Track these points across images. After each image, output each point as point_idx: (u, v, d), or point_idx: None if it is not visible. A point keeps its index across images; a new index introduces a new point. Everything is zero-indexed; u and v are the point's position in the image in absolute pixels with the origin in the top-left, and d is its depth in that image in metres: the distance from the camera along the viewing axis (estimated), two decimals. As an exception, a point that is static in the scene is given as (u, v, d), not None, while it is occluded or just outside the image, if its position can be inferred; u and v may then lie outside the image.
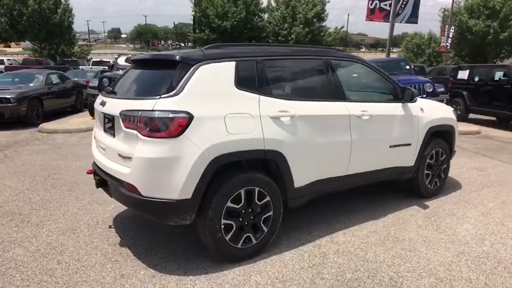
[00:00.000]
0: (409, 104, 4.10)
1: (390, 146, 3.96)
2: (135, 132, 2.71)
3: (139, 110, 2.69)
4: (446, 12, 32.57)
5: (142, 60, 3.38)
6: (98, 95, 9.75)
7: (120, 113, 2.82)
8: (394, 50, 49.26)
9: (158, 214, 2.79)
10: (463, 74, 11.72)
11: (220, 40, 30.47)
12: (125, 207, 4.07)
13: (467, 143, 8.25)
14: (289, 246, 3.30)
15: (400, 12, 14.60)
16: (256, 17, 31.84)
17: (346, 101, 3.59)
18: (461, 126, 9.23)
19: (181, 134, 2.64)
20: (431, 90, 9.77)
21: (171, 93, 2.70)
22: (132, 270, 2.92)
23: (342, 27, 34.83)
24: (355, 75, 4.11)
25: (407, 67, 11.31)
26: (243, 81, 2.99)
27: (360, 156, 3.65)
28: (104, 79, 9.51)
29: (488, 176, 5.66)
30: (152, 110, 2.64)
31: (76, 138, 7.95)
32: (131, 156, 2.74)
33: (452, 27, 27.42)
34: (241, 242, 2.99)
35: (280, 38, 30.84)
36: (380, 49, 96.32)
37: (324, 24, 32.22)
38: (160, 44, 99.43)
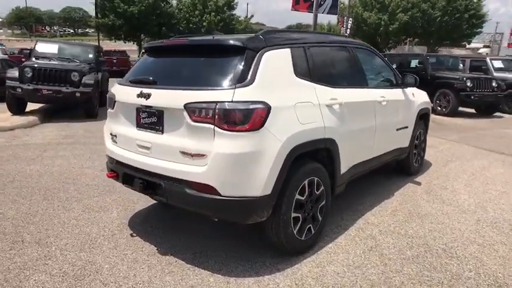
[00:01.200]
0: (406, 89, 4.41)
1: (397, 129, 4.23)
2: (209, 126, 2.42)
3: (215, 102, 2.41)
4: (342, 5, 35.35)
5: (187, 45, 2.96)
6: (19, 87, 8.43)
7: (186, 106, 2.48)
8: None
9: (238, 214, 2.56)
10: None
11: (128, 26, 28.49)
12: (130, 212, 3.70)
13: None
14: (335, 233, 3.33)
15: (322, 3, 15.41)
16: (165, 2, 30.44)
17: (369, 88, 3.72)
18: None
19: (263, 126, 2.45)
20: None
21: (245, 83, 2.48)
22: (198, 279, 2.64)
23: (252, 16, 35.37)
24: (368, 62, 4.26)
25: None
26: (298, 69, 2.89)
27: (379, 139, 3.82)
28: (27, 69, 8.22)
29: (442, 152, 6.42)
30: (232, 102, 2.39)
31: (3, 139, 6.75)
32: (204, 154, 2.45)
33: (350, 19, 29.91)
34: (304, 233, 2.93)
35: (191, 26, 30.07)
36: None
37: (234, 12, 32.32)
38: (45, 30, 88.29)
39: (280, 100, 2.59)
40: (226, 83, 2.50)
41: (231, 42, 2.66)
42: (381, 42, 34.89)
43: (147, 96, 2.69)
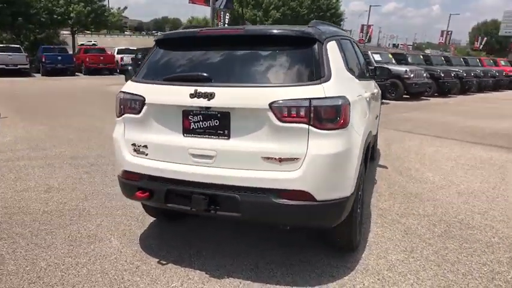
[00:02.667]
0: (373, 81, 4.72)
1: (375, 118, 4.51)
2: (302, 126, 2.18)
3: (308, 99, 2.18)
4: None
5: (243, 36, 2.54)
6: None
7: (272, 105, 2.18)
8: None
9: (329, 218, 2.36)
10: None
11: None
12: (132, 235, 3.18)
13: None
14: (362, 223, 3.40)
15: (219, -4, 15.26)
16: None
17: (367, 80, 3.87)
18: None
19: (349, 122, 2.33)
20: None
21: (325, 77, 2.30)
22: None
23: (125, 7, 32.80)
24: (358, 54, 4.37)
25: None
26: (345, 61, 2.83)
27: (372, 130, 4.02)
28: None
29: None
30: (326, 97, 2.20)
31: None
32: (297, 157, 2.20)
33: (228, 14, 30.47)
34: (359, 229, 2.91)
35: (56, 17, 26.47)
36: (144, 32, 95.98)
37: (104, 3, 29.59)
38: None
39: (351, 94, 2.49)
40: (307, 77, 2.29)
41: (302, 33, 2.43)
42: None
43: (209, 96, 2.27)
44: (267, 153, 2.23)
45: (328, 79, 2.30)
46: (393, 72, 12.58)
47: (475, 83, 17.23)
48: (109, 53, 24.07)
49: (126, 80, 16.29)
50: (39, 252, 2.87)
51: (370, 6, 43.98)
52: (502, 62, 22.44)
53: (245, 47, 2.50)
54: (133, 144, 2.57)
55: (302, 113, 2.17)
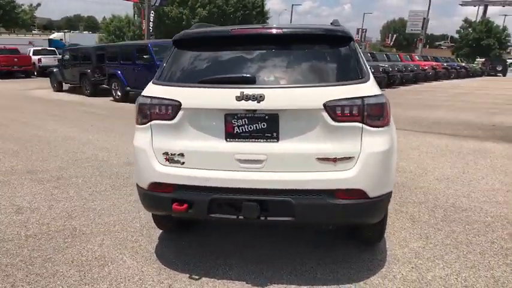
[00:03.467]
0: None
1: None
2: (356, 124, 2.18)
3: (361, 97, 2.18)
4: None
5: (279, 35, 2.40)
6: None
7: (326, 105, 2.14)
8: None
9: (377, 214, 2.38)
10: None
11: None
12: (147, 252, 3.00)
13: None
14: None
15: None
16: None
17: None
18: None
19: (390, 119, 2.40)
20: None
21: (366, 76, 2.33)
22: None
23: (39, 4, 29.69)
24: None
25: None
26: None
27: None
28: None
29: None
30: (376, 95, 2.23)
31: None
32: (351, 156, 2.20)
33: (152, 12, 29.35)
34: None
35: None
36: (55, 30, 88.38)
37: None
38: None
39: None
40: (352, 76, 2.29)
41: (341, 32, 2.42)
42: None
43: (259, 98, 2.16)
44: (322, 154, 2.20)
45: (369, 77, 2.34)
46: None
47: (399, 77, 18.79)
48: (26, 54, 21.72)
49: (52, 83, 15.18)
50: (46, 284, 2.51)
51: (293, 5, 45.54)
52: (417, 57, 24.79)
53: (283, 46, 2.42)
54: (166, 153, 2.35)
55: (356, 112, 2.17)
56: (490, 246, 2.97)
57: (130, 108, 8.58)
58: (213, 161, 2.29)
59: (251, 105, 2.17)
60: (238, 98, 2.17)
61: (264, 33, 2.45)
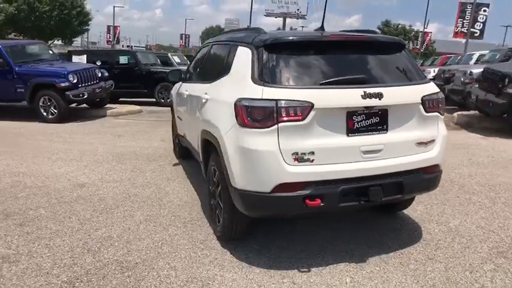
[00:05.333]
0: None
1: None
2: (436, 114, 2.81)
3: (437, 92, 2.81)
4: None
5: (364, 42, 2.82)
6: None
7: (423, 99, 2.68)
8: None
9: (438, 183, 3.03)
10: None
11: None
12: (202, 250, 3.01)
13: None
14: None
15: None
16: None
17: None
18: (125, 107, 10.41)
19: None
20: (102, 75, 9.86)
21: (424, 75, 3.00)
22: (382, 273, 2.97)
23: None
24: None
25: (51, 52, 10.20)
26: None
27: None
28: None
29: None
30: (441, 91, 2.89)
31: None
32: (434, 139, 2.80)
33: None
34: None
35: None
36: None
37: None
38: None
39: None
40: (422, 75, 2.91)
41: (402, 40, 2.98)
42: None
43: (379, 96, 2.53)
44: (419, 139, 2.75)
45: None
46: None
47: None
48: None
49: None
50: None
51: (114, 6, 43.13)
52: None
53: (371, 50, 2.88)
54: (295, 153, 2.45)
55: (436, 104, 2.81)
56: None
57: None
58: (340, 155, 2.54)
59: (372, 102, 2.53)
60: (363, 97, 2.49)
61: (354, 40, 2.83)
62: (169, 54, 15.33)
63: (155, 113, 10.67)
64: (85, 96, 8.85)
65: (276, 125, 2.43)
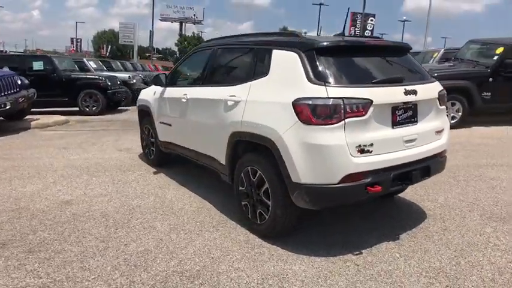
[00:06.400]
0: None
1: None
2: (444, 107, 3.31)
3: (443, 89, 3.32)
4: None
5: (382, 46, 3.17)
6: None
7: (439, 94, 3.17)
8: None
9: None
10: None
11: None
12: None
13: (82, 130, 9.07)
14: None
15: None
16: None
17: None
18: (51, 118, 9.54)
19: None
20: (22, 82, 8.75)
21: None
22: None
23: None
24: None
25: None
26: None
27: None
28: None
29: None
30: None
31: None
32: (444, 128, 3.31)
33: None
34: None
35: None
36: None
37: None
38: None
39: None
40: (428, 74, 3.40)
41: (404, 44, 3.45)
42: None
43: (415, 92, 2.93)
44: (436, 128, 3.24)
45: (429, 73, 3.54)
46: (121, 79, 12.88)
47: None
48: None
49: None
50: None
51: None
52: (160, 67, 26.66)
53: (394, 54, 3.29)
54: (358, 146, 2.71)
55: (444, 98, 3.32)
56: None
57: None
58: (390, 145, 2.88)
59: (410, 98, 2.94)
60: (405, 93, 2.88)
61: (387, 45, 3.23)
62: (84, 59, 14.13)
63: (85, 122, 9.85)
64: (7, 107, 7.78)
65: (343, 121, 2.65)
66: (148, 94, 5.22)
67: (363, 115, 2.72)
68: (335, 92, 2.69)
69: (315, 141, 2.67)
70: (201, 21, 73.06)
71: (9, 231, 3.36)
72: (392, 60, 3.25)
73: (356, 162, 2.71)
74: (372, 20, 27.14)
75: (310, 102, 2.67)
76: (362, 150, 2.75)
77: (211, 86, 3.82)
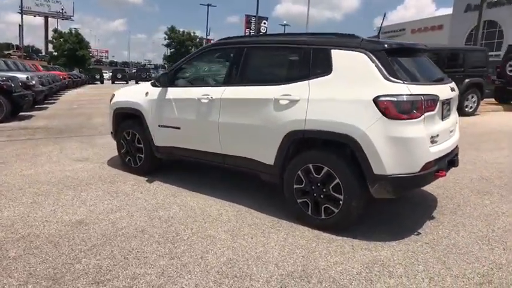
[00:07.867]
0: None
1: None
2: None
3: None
4: None
5: (422, 49, 3.51)
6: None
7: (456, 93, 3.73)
8: None
9: None
10: None
11: None
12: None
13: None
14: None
15: None
16: None
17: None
18: None
19: None
20: None
21: None
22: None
23: None
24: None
25: None
26: None
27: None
28: None
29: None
30: None
31: None
32: (457, 120, 3.90)
33: None
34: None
35: None
36: None
37: None
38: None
39: None
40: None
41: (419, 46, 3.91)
42: None
43: (454, 89, 3.42)
44: (456, 121, 3.78)
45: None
46: (21, 80, 11.17)
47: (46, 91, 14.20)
48: None
49: None
50: None
51: None
52: (40, 67, 23.40)
53: (423, 55, 3.71)
54: (432, 137, 3.06)
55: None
56: None
57: None
58: (444, 136, 3.31)
59: (452, 94, 3.45)
60: (450, 90, 3.33)
61: (423, 48, 3.62)
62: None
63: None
64: None
65: (423, 115, 2.95)
66: (136, 95, 4.74)
67: (433, 110, 3.08)
68: (415, 89, 2.97)
69: (401, 135, 2.91)
70: (71, 17, 66.15)
71: (43, 264, 2.77)
72: (426, 61, 3.71)
73: (432, 152, 3.06)
74: (265, 23, 28.67)
75: (395, 99, 2.89)
76: (433, 141, 3.10)
77: (250, 86, 3.70)
